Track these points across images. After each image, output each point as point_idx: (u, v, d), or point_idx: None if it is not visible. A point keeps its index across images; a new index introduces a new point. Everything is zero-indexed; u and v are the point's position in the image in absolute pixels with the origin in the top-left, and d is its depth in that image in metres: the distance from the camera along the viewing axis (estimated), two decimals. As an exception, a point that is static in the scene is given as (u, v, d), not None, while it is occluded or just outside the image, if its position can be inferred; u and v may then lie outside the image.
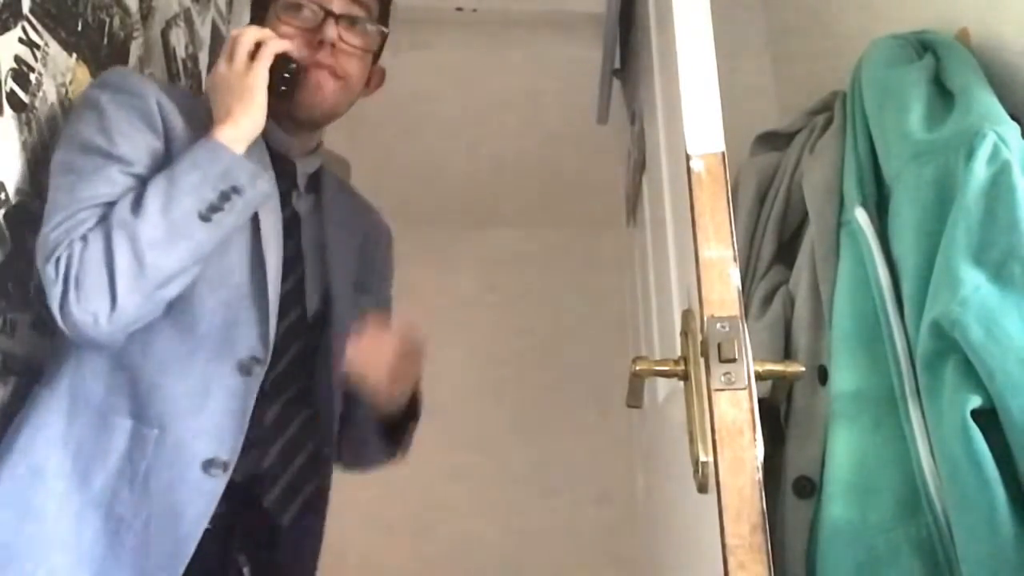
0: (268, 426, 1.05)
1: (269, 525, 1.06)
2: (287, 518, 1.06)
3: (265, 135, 1.08)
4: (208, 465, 0.96)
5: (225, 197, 0.95)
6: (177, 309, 0.99)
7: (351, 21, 1.12)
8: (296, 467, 1.08)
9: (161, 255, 0.92)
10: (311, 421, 1.10)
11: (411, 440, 1.24)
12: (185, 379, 0.98)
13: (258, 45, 1.05)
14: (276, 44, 1.05)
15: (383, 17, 1.20)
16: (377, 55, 1.22)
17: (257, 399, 1.02)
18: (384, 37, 1.19)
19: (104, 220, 0.94)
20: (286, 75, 1.07)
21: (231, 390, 0.99)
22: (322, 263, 1.15)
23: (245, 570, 1.03)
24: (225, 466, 0.97)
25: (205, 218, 0.94)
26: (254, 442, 1.02)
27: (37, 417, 0.97)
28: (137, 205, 0.94)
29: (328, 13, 1.10)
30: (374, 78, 1.22)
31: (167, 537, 0.94)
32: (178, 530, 0.94)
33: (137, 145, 1.01)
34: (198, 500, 0.95)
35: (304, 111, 1.12)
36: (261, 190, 0.99)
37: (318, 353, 1.12)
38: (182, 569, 0.93)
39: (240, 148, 0.99)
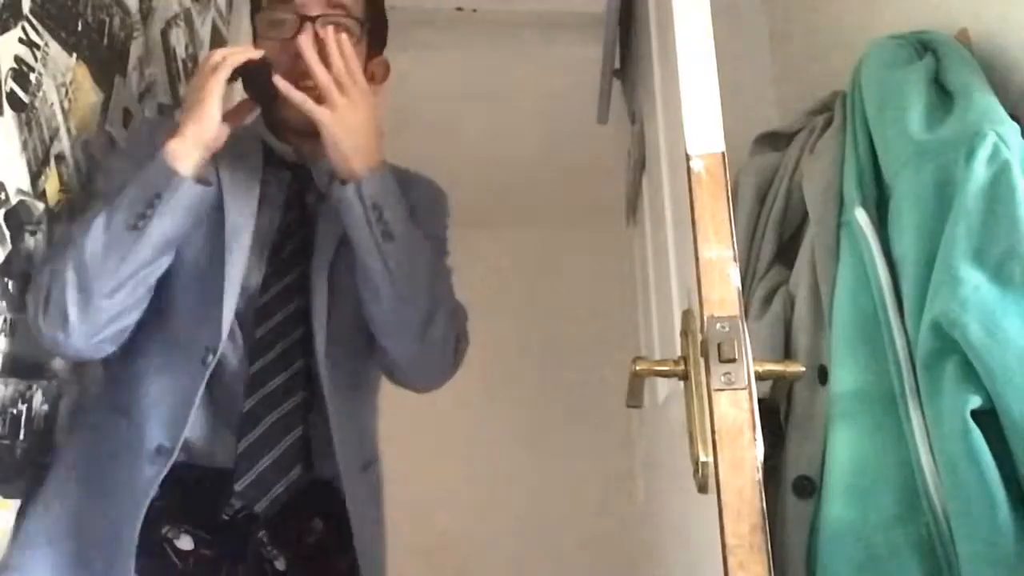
0: (247, 414, 1.05)
1: (298, 524, 1.09)
2: (263, 505, 1.04)
3: (271, 144, 1.16)
4: (156, 452, 1.01)
5: (149, 204, 0.99)
6: (162, 312, 1.07)
7: (330, 20, 1.11)
8: (276, 455, 1.06)
9: (99, 268, 0.98)
10: (299, 408, 1.08)
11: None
12: (161, 375, 1.05)
13: None
14: (235, 57, 1.06)
15: (374, 13, 1.19)
16: (375, 49, 1.21)
17: (244, 389, 1.06)
18: (368, 28, 1.17)
19: None
20: (264, 80, 1.06)
21: (189, 380, 1.03)
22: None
23: (277, 564, 1.06)
24: (170, 453, 1.00)
25: (133, 227, 0.98)
26: (232, 431, 1.05)
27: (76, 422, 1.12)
28: (88, 225, 1.00)
29: (304, 18, 1.09)
30: (377, 72, 1.22)
31: (117, 524, 0.98)
32: (122, 512, 0.98)
33: (125, 176, 1.05)
34: (143, 485, 0.99)
35: (294, 120, 1.11)
36: (183, 193, 1.00)
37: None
38: (131, 557, 0.96)
39: (186, 158, 1.01)
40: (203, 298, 1.06)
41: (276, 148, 1.17)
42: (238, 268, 1.07)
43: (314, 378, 1.11)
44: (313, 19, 1.10)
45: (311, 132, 1.09)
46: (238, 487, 1.03)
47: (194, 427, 1.04)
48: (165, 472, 0.99)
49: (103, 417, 1.08)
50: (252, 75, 1.07)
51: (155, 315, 1.06)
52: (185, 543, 1.03)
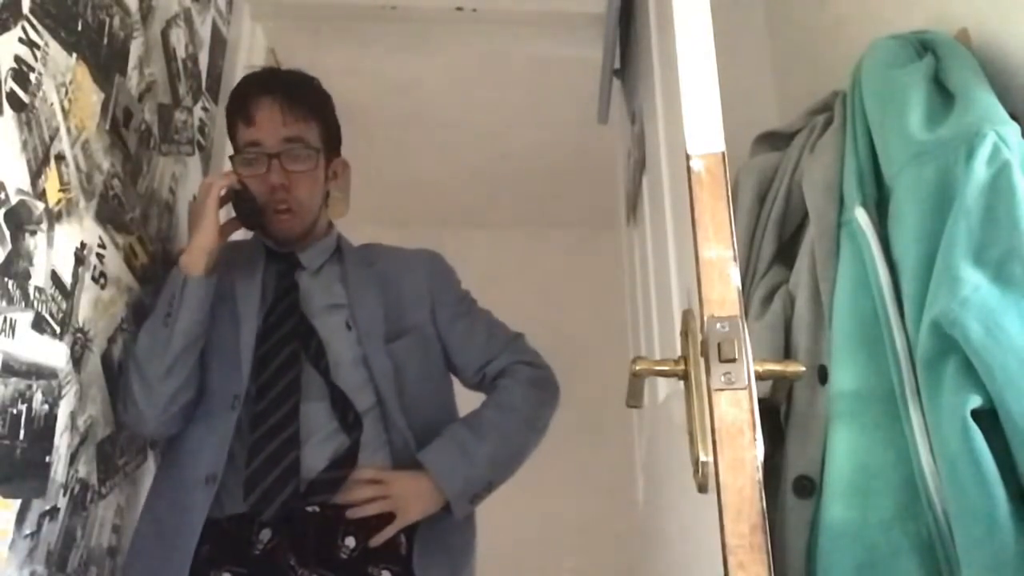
0: (252, 446, 1.29)
1: (327, 542, 1.25)
2: (269, 514, 1.24)
3: (265, 242, 1.45)
4: (205, 480, 1.25)
5: (170, 303, 1.29)
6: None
7: (291, 153, 1.37)
8: (275, 475, 1.27)
9: (149, 358, 1.28)
10: (292, 438, 1.29)
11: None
12: (198, 422, 1.32)
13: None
14: (226, 179, 1.35)
15: (327, 131, 1.44)
16: (334, 153, 1.47)
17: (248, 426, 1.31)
18: (324, 146, 1.43)
19: None
20: (248, 209, 1.36)
21: (222, 421, 1.29)
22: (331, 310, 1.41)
23: None
24: (215, 478, 1.25)
25: (164, 324, 1.29)
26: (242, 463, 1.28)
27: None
28: (140, 332, 1.32)
29: (270, 156, 1.36)
30: (338, 170, 1.49)
31: (181, 534, 1.22)
32: (187, 528, 1.22)
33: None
34: (200, 505, 1.24)
35: (279, 237, 1.42)
36: (191, 289, 1.29)
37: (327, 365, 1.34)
38: (190, 553, 1.20)
39: (193, 265, 1.30)
40: (225, 359, 1.33)
41: (270, 246, 1.45)
42: (250, 333, 1.34)
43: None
44: (276, 155, 1.36)
45: (295, 243, 1.43)
46: (247, 501, 1.24)
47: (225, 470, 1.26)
48: (213, 495, 1.24)
49: (165, 458, 1.36)
50: (240, 202, 1.36)
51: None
52: None
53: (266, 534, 1.24)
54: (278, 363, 1.33)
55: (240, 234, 1.48)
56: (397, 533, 1.28)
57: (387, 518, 1.27)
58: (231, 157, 1.43)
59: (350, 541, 1.25)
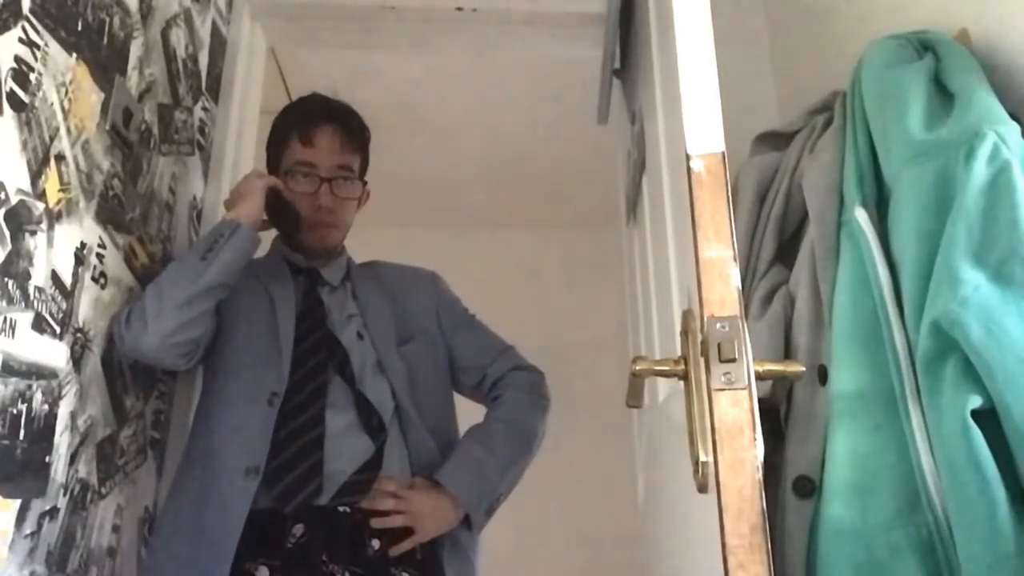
0: (276, 444, 1.33)
1: (355, 542, 1.29)
2: (292, 507, 1.28)
3: (288, 257, 1.54)
4: (246, 472, 1.28)
5: (215, 241, 1.35)
6: (227, 375, 1.39)
7: (341, 179, 1.50)
8: (300, 471, 1.32)
9: (174, 284, 1.31)
10: (317, 439, 1.34)
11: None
12: (232, 416, 1.35)
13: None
14: (268, 179, 1.45)
15: (363, 161, 1.58)
16: (363, 179, 1.58)
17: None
18: (365, 186, 1.58)
19: None
20: (289, 213, 1.46)
21: (261, 417, 1.33)
22: (352, 325, 1.49)
23: None
24: (258, 470, 1.28)
25: (202, 258, 1.33)
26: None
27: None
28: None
29: (322, 180, 1.48)
30: (363, 200, 1.60)
31: (222, 526, 1.24)
32: (230, 520, 1.25)
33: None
34: (242, 497, 1.27)
35: (317, 250, 1.53)
36: (240, 234, 1.35)
37: (348, 377, 1.41)
38: (234, 545, 1.22)
39: (249, 215, 1.37)
40: (260, 359, 1.38)
41: (292, 259, 1.54)
42: (288, 337, 1.40)
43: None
44: (328, 180, 1.49)
45: (321, 253, 1.53)
46: (271, 495, 1.28)
47: None
48: (255, 488, 1.26)
49: (191, 454, 1.37)
50: (279, 206, 1.45)
51: (220, 373, 1.40)
52: (263, 573, 1.25)
53: (299, 529, 1.28)
54: (306, 370, 1.39)
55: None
56: None
57: (408, 530, 1.33)
58: (283, 171, 1.52)
59: (375, 543, 1.31)
